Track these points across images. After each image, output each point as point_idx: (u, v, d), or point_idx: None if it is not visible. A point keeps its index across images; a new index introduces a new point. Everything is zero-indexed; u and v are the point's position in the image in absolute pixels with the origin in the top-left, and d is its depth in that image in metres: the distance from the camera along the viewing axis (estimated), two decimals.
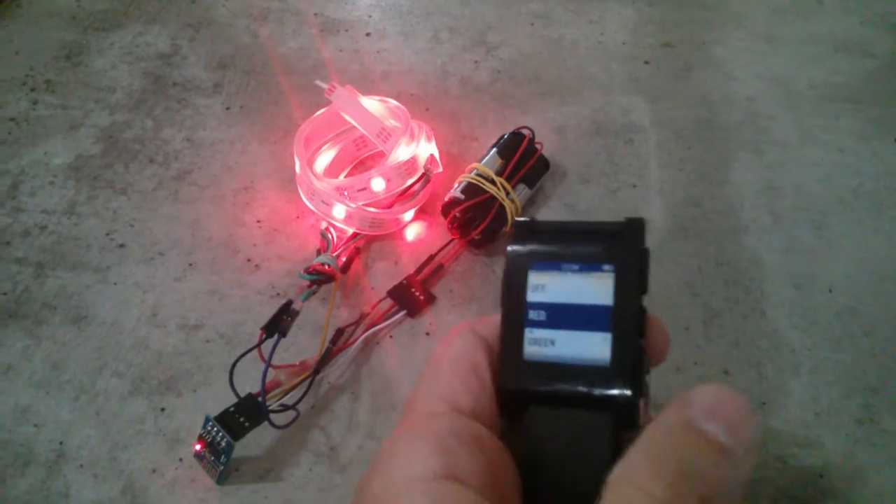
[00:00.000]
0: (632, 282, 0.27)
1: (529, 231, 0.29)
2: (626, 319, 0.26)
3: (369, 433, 0.56)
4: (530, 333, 0.27)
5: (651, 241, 0.65)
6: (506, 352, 0.27)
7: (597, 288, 0.27)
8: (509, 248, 0.29)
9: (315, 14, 0.90)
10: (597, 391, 0.26)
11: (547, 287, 0.28)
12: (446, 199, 0.66)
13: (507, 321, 0.28)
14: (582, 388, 0.26)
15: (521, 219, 0.29)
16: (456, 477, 0.23)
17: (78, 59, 0.85)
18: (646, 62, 0.83)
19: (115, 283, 0.65)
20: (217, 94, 0.81)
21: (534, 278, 0.28)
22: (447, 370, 0.27)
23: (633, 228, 0.28)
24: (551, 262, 0.28)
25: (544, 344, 0.27)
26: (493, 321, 0.29)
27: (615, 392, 0.26)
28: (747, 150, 0.74)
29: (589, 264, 0.27)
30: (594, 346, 0.26)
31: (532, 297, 0.28)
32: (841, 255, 0.66)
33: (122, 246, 0.68)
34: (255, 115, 0.78)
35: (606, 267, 0.27)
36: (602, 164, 0.73)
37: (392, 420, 0.57)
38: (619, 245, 0.27)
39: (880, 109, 0.77)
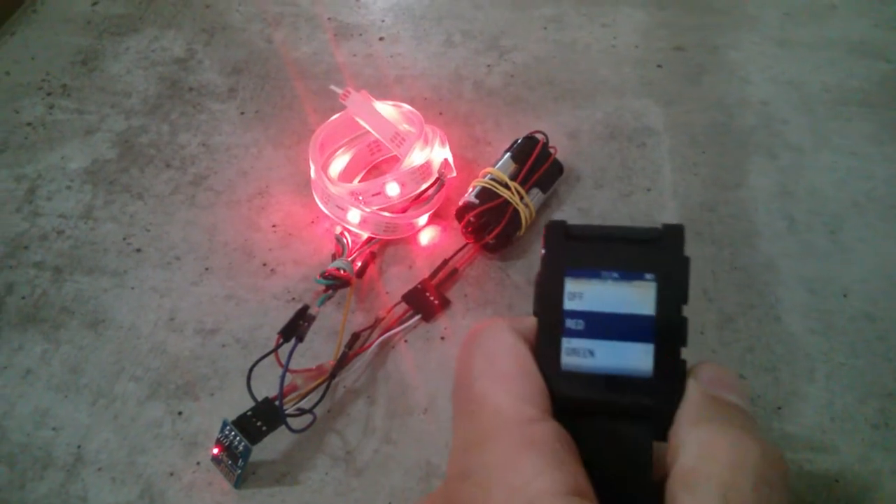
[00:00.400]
0: (674, 291, 0.26)
1: (564, 235, 0.28)
2: (669, 330, 0.26)
3: (385, 437, 0.56)
4: (567, 343, 0.26)
5: None
6: (543, 361, 0.26)
7: (638, 297, 0.26)
8: (544, 252, 0.28)
9: (328, 18, 0.90)
10: (641, 402, 0.25)
11: (585, 295, 0.27)
12: (460, 203, 0.66)
13: (543, 330, 0.27)
14: (624, 399, 0.25)
15: (555, 220, 0.28)
16: (580, 491, 0.23)
17: (93, 63, 0.86)
18: (658, 66, 0.83)
19: (133, 288, 0.66)
20: (232, 98, 0.81)
21: (570, 286, 0.27)
22: (515, 367, 0.26)
23: (673, 236, 0.27)
24: (589, 269, 0.27)
25: (583, 354, 0.26)
26: (528, 322, 0.27)
27: (660, 404, 0.25)
28: (761, 154, 0.74)
29: (629, 272, 0.26)
30: (636, 357, 0.26)
31: (569, 305, 0.27)
32: (855, 259, 0.66)
33: (138, 250, 0.68)
34: (269, 120, 0.79)
35: (648, 276, 0.26)
36: (616, 168, 0.73)
37: (409, 424, 0.57)
38: (659, 253, 0.27)
39: (894, 113, 0.77)
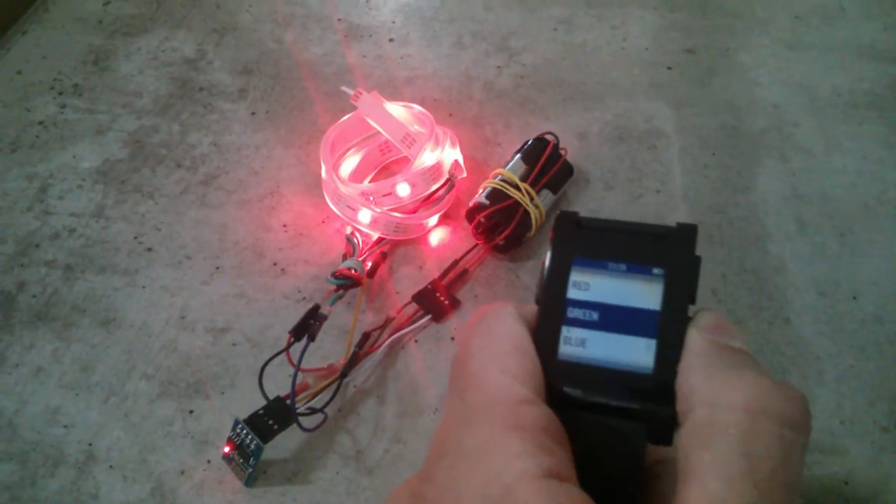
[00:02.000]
0: (682, 289, 0.26)
1: (575, 224, 0.27)
2: (674, 327, 0.25)
3: (396, 437, 0.57)
4: (567, 332, 0.26)
5: None
6: (540, 348, 0.26)
7: (644, 291, 0.26)
8: (552, 239, 0.27)
9: (339, 19, 0.91)
10: (637, 402, 0.25)
11: (590, 285, 0.26)
12: (471, 204, 0.66)
13: (544, 317, 0.26)
14: (620, 395, 0.25)
15: (567, 210, 0.28)
16: (560, 475, 0.22)
17: (105, 63, 0.86)
18: (669, 68, 0.83)
19: (144, 287, 0.66)
20: (242, 99, 0.81)
21: (576, 275, 0.26)
22: (513, 348, 0.25)
23: (686, 234, 0.27)
24: (597, 260, 0.26)
25: (582, 344, 0.26)
26: (532, 308, 0.27)
27: (657, 406, 0.24)
28: (772, 157, 0.74)
29: (638, 266, 0.26)
30: (637, 352, 0.25)
31: (572, 294, 0.26)
32: (866, 262, 0.66)
33: (149, 249, 0.68)
34: (280, 121, 0.79)
35: (656, 271, 0.26)
36: (626, 170, 0.73)
37: (419, 424, 0.57)
38: (670, 250, 0.26)
39: None
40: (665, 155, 0.74)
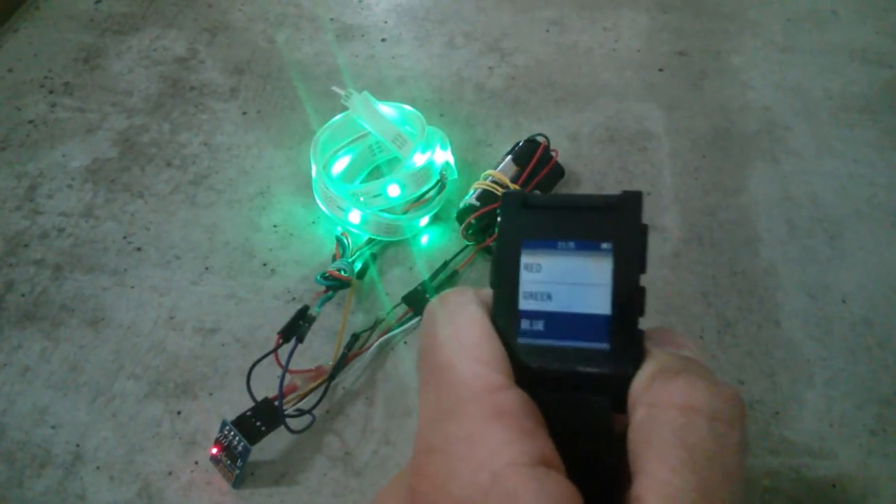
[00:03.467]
0: (631, 260, 0.25)
1: (521, 205, 0.27)
2: (626, 300, 0.25)
3: (384, 438, 0.56)
4: (524, 314, 0.26)
5: (666, 249, 0.65)
6: (500, 333, 0.26)
7: (594, 267, 0.26)
8: (499, 223, 0.27)
9: (331, 19, 0.91)
10: (597, 371, 0.25)
11: (542, 266, 0.26)
12: (461, 205, 0.66)
13: (500, 302, 0.26)
14: (581, 370, 0.25)
15: (512, 190, 0.28)
16: (546, 461, 0.22)
17: (95, 62, 0.86)
18: (660, 70, 0.83)
19: (133, 287, 0.66)
20: (234, 98, 0.81)
21: (527, 257, 0.26)
22: (480, 335, 0.25)
23: (631, 203, 0.26)
24: (545, 241, 0.26)
25: (539, 325, 0.26)
26: (489, 292, 0.27)
27: (616, 371, 0.25)
28: (763, 160, 0.74)
29: (586, 242, 0.26)
30: (593, 329, 0.25)
31: (525, 276, 0.26)
32: (855, 265, 0.66)
33: (139, 249, 0.68)
34: (271, 120, 0.79)
35: (604, 245, 0.26)
36: (616, 172, 0.73)
37: (408, 426, 0.57)
38: (616, 221, 0.26)
39: None
40: (656, 157, 0.74)
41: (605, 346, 0.25)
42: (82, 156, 0.76)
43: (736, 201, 0.70)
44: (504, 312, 0.26)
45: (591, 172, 0.73)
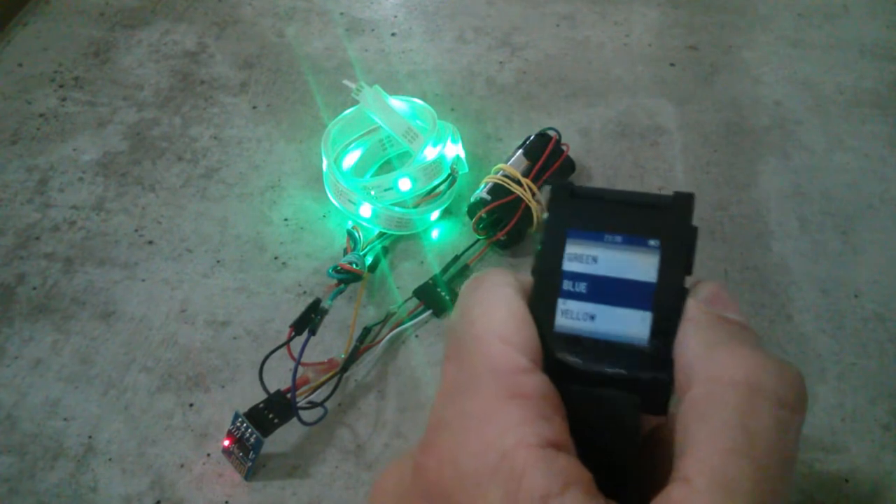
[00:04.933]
0: (678, 260, 0.25)
1: (570, 195, 0.27)
2: (669, 299, 0.25)
3: (396, 431, 0.56)
4: (563, 304, 0.25)
5: None
6: (536, 320, 0.25)
7: (640, 263, 0.25)
8: (546, 212, 0.27)
9: (341, 14, 0.90)
10: (632, 372, 0.24)
11: (586, 257, 0.26)
12: (472, 199, 0.66)
13: (540, 289, 0.26)
14: (616, 367, 0.25)
15: (562, 181, 0.27)
16: (558, 444, 0.22)
17: (106, 56, 0.86)
18: (671, 64, 0.83)
19: (144, 280, 0.66)
20: (244, 92, 0.81)
21: (571, 247, 0.26)
22: (512, 317, 0.25)
23: (682, 204, 0.26)
24: (592, 232, 0.26)
25: (578, 316, 0.25)
26: (529, 279, 0.27)
27: (652, 376, 0.24)
28: (775, 155, 0.74)
29: (633, 237, 0.26)
30: (632, 324, 0.25)
31: (568, 266, 0.26)
32: (867, 260, 0.66)
33: (150, 242, 0.68)
34: (281, 114, 0.79)
35: (652, 242, 0.25)
36: (628, 167, 0.73)
37: (419, 419, 0.57)
38: (666, 220, 0.26)
39: None
40: (667, 152, 0.74)
41: (644, 344, 0.25)
42: (93, 149, 0.76)
43: (747, 196, 0.70)
44: (543, 300, 0.26)
45: (602, 167, 0.73)
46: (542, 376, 0.24)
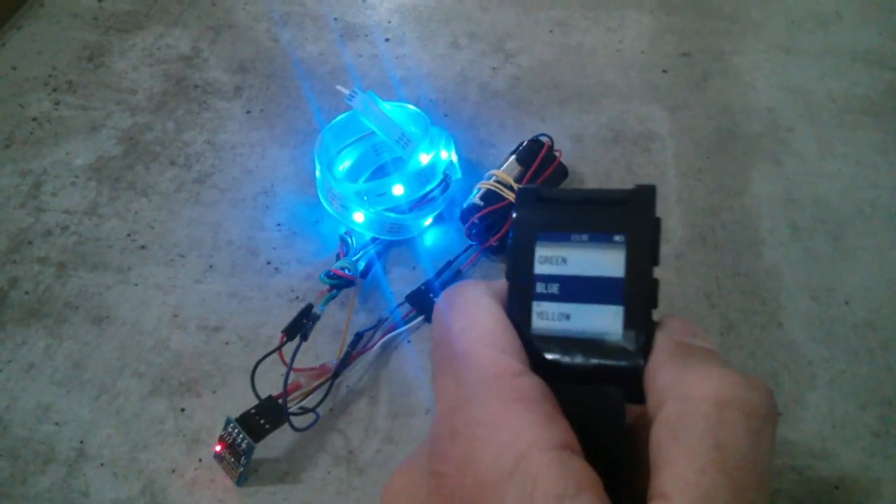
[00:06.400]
0: (643, 252, 0.26)
1: (536, 199, 0.28)
2: (638, 291, 0.26)
3: (387, 437, 0.56)
4: (538, 307, 0.26)
5: (669, 250, 0.65)
6: (514, 323, 0.26)
7: (607, 259, 0.26)
8: (514, 217, 0.28)
9: (335, 19, 0.91)
10: (610, 363, 0.25)
11: (556, 259, 0.27)
12: (465, 205, 0.66)
13: (514, 293, 0.27)
14: (594, 362, 0.25)
15: (527, 186, 0.28)
16: (570, 446, 0.23)
17: (99, 60, 0.86)
18: (664, 71, 0.83)
19: (136, 284, 0.66)
20: (237, 97, 0.81)
21: (541, 250, 0.27)
22: (496, 324, 0.26)
23: (644, 197, 0.27)
24: (559, 233, 0.27)
25: (553, 317, 0.26)
26: (502, 285, 0.28)
27: (629, 364, 0.25)
28: (766, 161, 0.74)
29: (599, 234, 0.26)
30: (605, 320, 0.26)
31: (540, 269, 0.27)
32: (858, 267, 0.66)
33: (143, 247, 0.68)
34: (275, 119, 0.79)
35: (617, 237, 0.26)
36: (620, 173, 0.73)
37: (411, 425, 0.57)
38: (629, 214, 0.26)
39: None
40: (660, 158, 0.74)
41: (618, 337, 0.25)
42: (86, 154, 0.76)
43: (739, 202, 0.70)
44: (518, 304, 0.27)
45: (594, 173, 0.73)
46: (537, 378, 0.24)
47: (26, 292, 0.65)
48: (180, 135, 0.78)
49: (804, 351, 0.61)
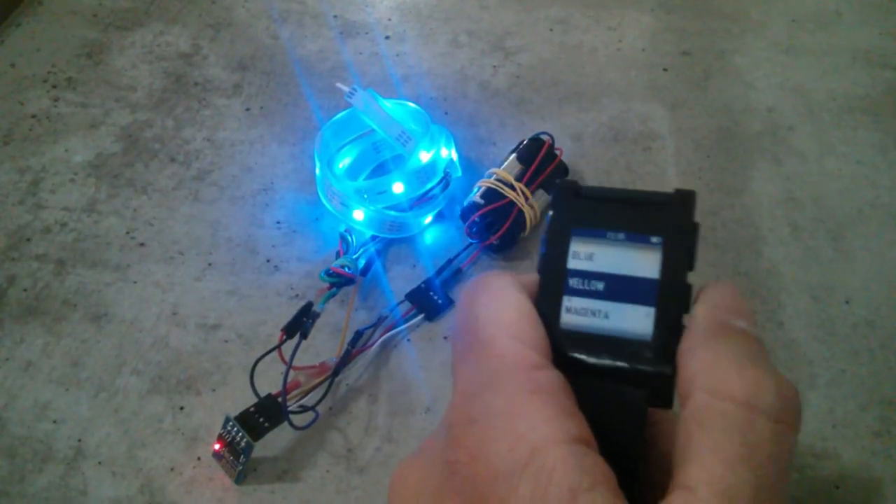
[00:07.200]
0: (680, 256, 0.26)
1: (574, 194, 0.28)
2: (672, 295, 0.25)
3: (387, 436, 0.56)
4: (568, 302, 0.26)
5: None
6: (542, 318, 0.26)
7: (643, 260, 0.26)
8: (551, 211, 0.28)
9: (335, 16, 0.90)
10: (636, 366, 0.25)
11: (590, 255, 0.26)
12: (465, 203, 0.66)
13: (545, 287, 0.27)
14: (621, 362, 0.25)
15: (567, 180, 0.28)
16: (585, 440, 0.23)
17: (99, 57, 0.86)
18: (664, 70, 0.83)
19: (135, 282, 0.65)
20: (237, 94, 0.81)
21: (576, 245, 0.27)
22: (521, 316, 0.25)
23: (684, 201, 0.27)
24: (595, 230, 0.27)
25: (583, 313, 0.26)
26: (532, 279, 0.27)
27: (656, 369, 0.25)
28: (767, 161, 0.74)
29: (636, 235, 0.26)
30: (636, 320, 0.25)
31: (573, 263, 0.26)
32: (858, 266, 0.66)
33: (142, 245, 0.68)
34: (274, 117, 0.79)
35: (654, 239, 0.26)
36: (620, 172, 0.73)
37: (411, 423, 0.57)
38: (668, 217, 0.26)
39: None
40: (660, 157, 0.74)
41: (647, 339, 0.25)
42: (85, 151, 0.76)
43: (739, 201, 0.70)
44: (548, 297, 0.26)
45: (595, 172, 0.73)
46: (556, 372, 0.24)
47: (24, 289, 0.65)
48: (180, 132, 0.77)
49: (804, 350, 0.61)
